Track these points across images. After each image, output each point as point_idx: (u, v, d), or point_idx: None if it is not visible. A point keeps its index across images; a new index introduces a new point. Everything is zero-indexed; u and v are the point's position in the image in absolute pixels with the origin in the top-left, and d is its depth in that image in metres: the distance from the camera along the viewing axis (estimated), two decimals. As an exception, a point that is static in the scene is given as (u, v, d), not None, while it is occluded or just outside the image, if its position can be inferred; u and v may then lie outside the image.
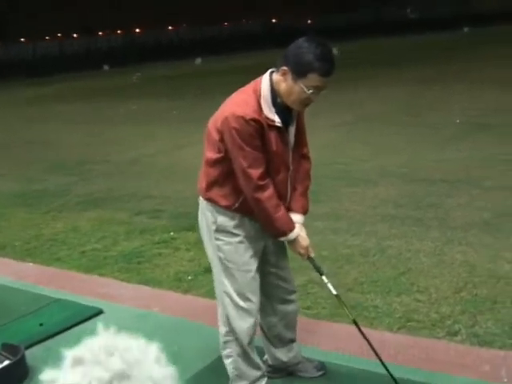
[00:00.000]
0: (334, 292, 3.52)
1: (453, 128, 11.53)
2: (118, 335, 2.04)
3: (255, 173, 3.11)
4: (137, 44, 62.16)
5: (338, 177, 8.77)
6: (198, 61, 44.95)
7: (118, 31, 72.79)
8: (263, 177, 3.15)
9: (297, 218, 3.40)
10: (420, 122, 12.54)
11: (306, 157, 3.51)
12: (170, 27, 74.68)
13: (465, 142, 10.18)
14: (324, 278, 3.52)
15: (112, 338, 2.00)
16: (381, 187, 8.05)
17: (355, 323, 3.52)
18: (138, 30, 73.39)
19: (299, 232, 3.37)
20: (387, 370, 3.38)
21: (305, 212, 3.48)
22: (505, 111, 12.58)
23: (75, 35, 68.25)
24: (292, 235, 3.33)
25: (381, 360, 3.39)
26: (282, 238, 3.37)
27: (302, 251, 3.41)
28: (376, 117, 13.87)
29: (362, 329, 4.10)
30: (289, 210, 3.39)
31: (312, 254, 3.48)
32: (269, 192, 3.19)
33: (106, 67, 50.69)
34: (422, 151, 9.87)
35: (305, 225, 3.47)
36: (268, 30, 66.28)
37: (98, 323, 2.05)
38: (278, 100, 3.14)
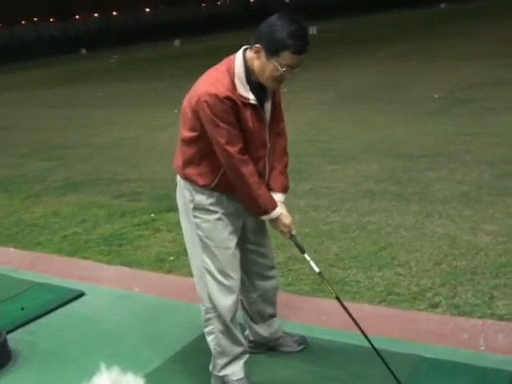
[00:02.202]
0: (317, 269, 3.50)
1: (431, 103, 11.57)
2: (122, 376, 2.08)
3: (234, 149, 3.09)
4: (114, 27, 61.60)
5: (320, 154, 8.79)
6: (177, 42, 44.70)
7: (95, 14, 72.10)
8: (242, 152, 3.13)
9: (277, 196, 3.38)
10: (399, 98, 12.56)
11: (281, 133, 3.46)
12: (147, 9, 74.12)
13: (444, 117, 10.22)
14: (306, 255, 3.50)
15: (117, 381, 2.05)
16: (362, 163, 8.07)
17: (338, 300, 3.52)
18: (115, 13, 72.72)
19: (281, 211, 3.35)
20: (370, 342, 3.40)
21: (285, 190, 3.46)
22: (481, 85, 12.66)
23: (51, 19, 67.52)
24: (274, 214, 3.32)
25: (364, 334, 3.41)
26: (264, 217, 3.35)
27: (284, 229, 3.39)
28: (356, 94, 13.88)
29: (345, 303, 4.13)
30: (269, 189, 3.36)
31: (294, 232, 3.46)
32: (250, 167, 3.17)
33: (83, 51, 50.29)
34: (402, 127, 9.90)
35: (285, 203, 3.45)
36: (245, 10, 65.87)
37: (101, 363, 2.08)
38: (252, 77, 3.11)
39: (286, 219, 3.37)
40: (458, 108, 10.82)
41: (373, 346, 3.39)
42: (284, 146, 3.49)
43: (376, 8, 52.71)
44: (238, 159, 3.11)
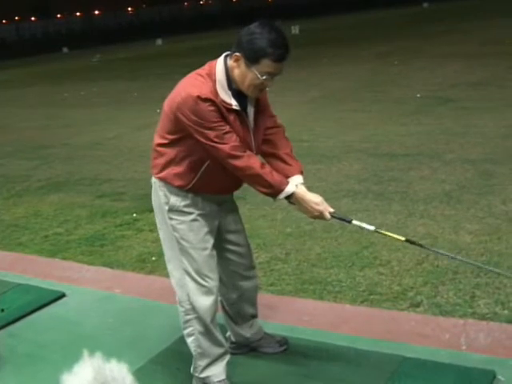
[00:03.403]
0: (372, 228, 3.34)
1: (414, 103, 11.61)
2: (105, 363, 2.08)
3: (229, 139, 3.05)
4: (96, 26, 61.41)
5: (303, 153, 8.74)
6: (159, 42, 44.60)
7: (77, 13, 71.87)
8: (235, 148, 3.07)
9: (297, 179, 3.27)
10: (382, 98, 12.60)
11: (277, 124, 3.42)
12: (129, 8, 73.96)
13: (426, 117, 10.26)
14: (355, 221, 3.34)
15: (100, 368, 2.04)
16: (344, 163, 8.08)
17: (409, 241, 3.42)
18: (97, 12, 72.54)
19: (296, 189, 3.21)
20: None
21: (301, 172, 3.34)
22: (464, 85, 12.73)
23: (33, 18, 67.15)
24: (289, 189, 3.20)
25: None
26: (281, 195, 3.21)
27: (320, 208, 3.25)
28: (339, 93, 13.91)
29: (327, 304, 4.14)
30: (286, 176, 3.26)
31: (331, 209, 3.30)
32: (248, 152, 3.12)
33: (65, 50, 50.08)
34: (384, 126, 9.92)
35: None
36: (228, 9, 65.83)
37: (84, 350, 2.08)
38: (233, 85, 3.09)
39: (316, 198, 3.24)
40: (441, 107, 10.87)
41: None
42: (283, 133, 3.43)
43: (359, 7, 52.88)
44: (233, 145, 3.06)
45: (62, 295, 5.02)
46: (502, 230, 5.31)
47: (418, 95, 12.18)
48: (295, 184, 3.24)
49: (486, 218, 5.64)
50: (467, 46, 18.82)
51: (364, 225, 3.33)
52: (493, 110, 10.00)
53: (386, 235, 3.40)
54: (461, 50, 18.32)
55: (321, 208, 3.24)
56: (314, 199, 3.24)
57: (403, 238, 3.40)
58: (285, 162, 3.34)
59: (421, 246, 3.46)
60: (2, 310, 4.78)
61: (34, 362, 4.12)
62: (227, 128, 3.07)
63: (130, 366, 3.76)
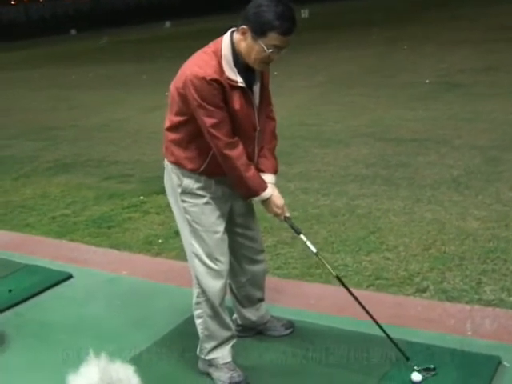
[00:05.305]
0: (314, 250, 3.48)
1: (422, 88, 11.55)
2: (110, 364, 2.09)
3: (221, 131, 3.07)
4: (104, 7, 61.10)
5: (310, 138, 8.78)
6: (167, 24, 44.38)
7: (85, -5, 71.52)
8: (230, 134, 3.12)
9: (268, 178, 3.37)
10: (390, 83, 12.53)
11: (270, 116, 3.45)
12: (138, -10, 73.50)
13: (434, 102, 10.20)
14: (302, 236, 3.48)
15: (106, 369, 2.05)
16: (352, 147, 8.06)
17: (338, 279, 3.51)
18: (105, -6, 72.14)
19: (272, 192, 3.33)
20: (379, 326, 3.39)
21: (275, 171, 3.44)
22: (472, 71, 12.63)
23: (41, -1, 66.93)
24: (265, 195, 3.30)
25: (365, 309, 3.40)
26: (256, 199, 3.33)
27: (278, 211, 3.38)
28: (347, 78, 13.83)
29: (333, 288, 4.15)
30: (259, 170, 3.35)
31: (288, 214, 3.45)
32: (238, 150, 3.15)
33: (73, 32, 49.89)
34: (392, 111, 9.88)
35: (277, 185, 3.43)
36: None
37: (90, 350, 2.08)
38: (240, 60, 3.08)
39: (279, 200, 3.36)
40: (449, 93, 10.80)
41: (382, 330, 3.38)
42: (273, 128, 3.48)
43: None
44: (226, 142, 3.10)
45: (69, 276, 5.05)
46: (509, 217, 5.30)
47: (427, 81, 12.11)
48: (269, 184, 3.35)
49: (494, 204, 5.63)
50: (474, 33, 18.66)
51: (309, 243, 3.48)
52: (501, 96, 9.94)
53: (323, 263, 3.54)
54: (468, 36, 18.16)
55: (279, 211, 3.39)
56: (278, 202, 3.37)
57: (334, 274, 3.53)
58: (264, 156, 3.41)
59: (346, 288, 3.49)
60: (10, 291, 4.81)
61: (41, 342, 4.14)
62: (225, 115, 3.07)
63: (137, 347, 3.82)
